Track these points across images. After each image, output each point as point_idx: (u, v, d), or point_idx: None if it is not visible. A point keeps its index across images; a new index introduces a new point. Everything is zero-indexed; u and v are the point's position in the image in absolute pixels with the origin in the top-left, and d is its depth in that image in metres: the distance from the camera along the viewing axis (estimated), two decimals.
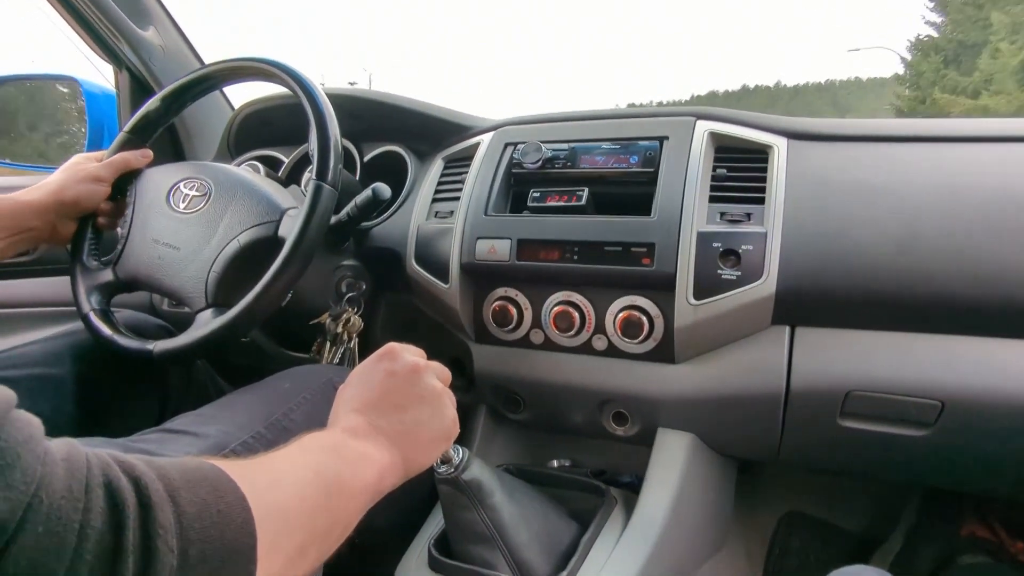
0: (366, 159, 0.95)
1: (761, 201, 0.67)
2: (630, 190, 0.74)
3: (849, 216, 0.64)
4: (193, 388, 0.78)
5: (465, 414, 0.86)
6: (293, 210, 0.67)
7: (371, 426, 0.44)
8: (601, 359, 0.74)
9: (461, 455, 0.58)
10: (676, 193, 0.69)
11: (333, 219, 0.74)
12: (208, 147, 1.11)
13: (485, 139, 0.85)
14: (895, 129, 0.72)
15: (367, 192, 0.75)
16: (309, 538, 0.35)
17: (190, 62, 1.12)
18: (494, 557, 0.61)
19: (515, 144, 0.81)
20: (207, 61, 1.11)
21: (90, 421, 0.66)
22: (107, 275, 0.71)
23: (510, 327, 0.77)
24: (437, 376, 0.50)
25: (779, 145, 0.71)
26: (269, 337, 0.91)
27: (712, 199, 0.69)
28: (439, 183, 0.86)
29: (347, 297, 0.81)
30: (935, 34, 16.97)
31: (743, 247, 0.65)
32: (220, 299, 0.65)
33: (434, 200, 0.84)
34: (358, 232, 0.86)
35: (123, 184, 0.75)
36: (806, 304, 0.65)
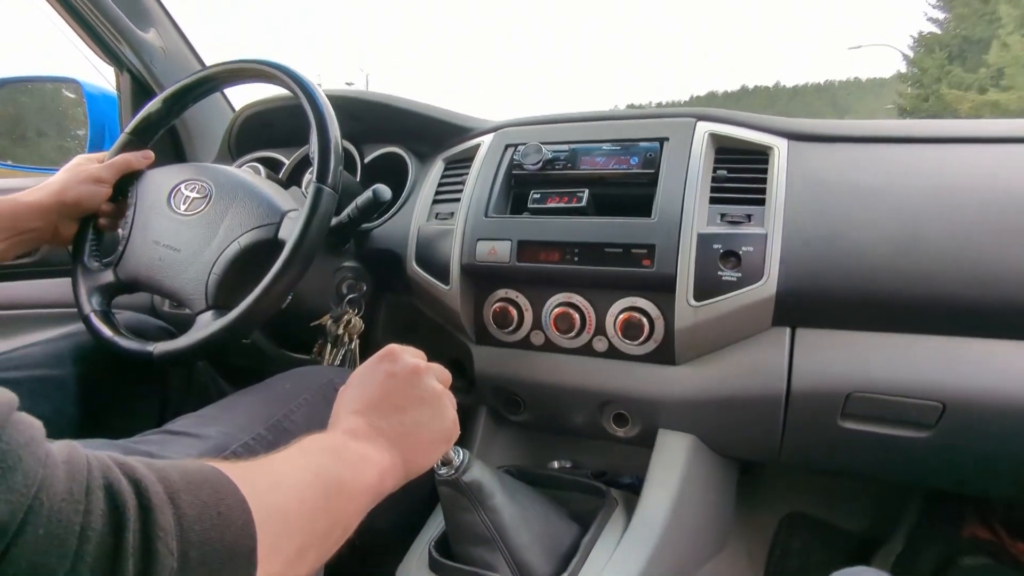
0: (366, 160, 0.95)
1: (761, 202, 0.67)
2: (630, 191, 0.74)
3: (849, 217, 0.64)
4: (194, 389, 0.78)
5: (465, 415, 0.86)
6: (294, 212, 0.68)
7: (371, 428, 0.44)
8: (601, 360, 0.74)
9: (462, 457, 0.58)
10: (676, 194, 0.69)
11: (334, 221, 0.74)
12: (209, 149, 1.11)
13: (485, 140, 0.85)
14: (895, 130, 0.72)
15: (367, 193, 0.75)
16: (309, 540, 0.35)
17: (191, 64, 1.12)
18: (495, 559, 0.61)
19: (515, 145, 0.81)
20: (208, 63, 1.11)
21: (91, 422, 0.66)
22: (108, 276, 0.72)
23: (510, 328, 0.77)
24: (437, 378, 0.50)
25: (779, 146, 0.71)
26: (270, 339, 0.91)
27: (712, 200, 0.69)
28: (439, 184, 0.86)
29: (348, 298, 0.81)
30: (938, 31, 16.88)
31: (743, 248, 0.65)
32: (221, 301, 0.65)
33: (434, 201, 0.84)
34: (359, 234, 0.86)
35: (124, 185, 0.75)
36: (807, 305, 0.65)
